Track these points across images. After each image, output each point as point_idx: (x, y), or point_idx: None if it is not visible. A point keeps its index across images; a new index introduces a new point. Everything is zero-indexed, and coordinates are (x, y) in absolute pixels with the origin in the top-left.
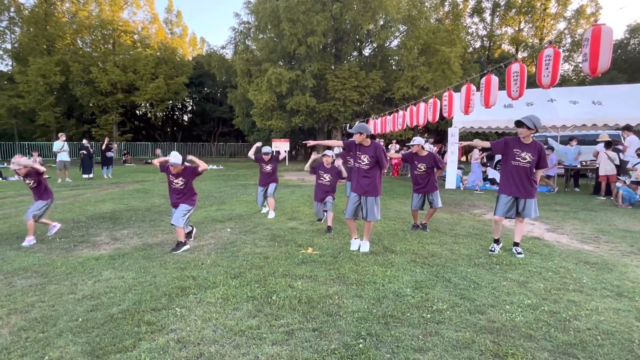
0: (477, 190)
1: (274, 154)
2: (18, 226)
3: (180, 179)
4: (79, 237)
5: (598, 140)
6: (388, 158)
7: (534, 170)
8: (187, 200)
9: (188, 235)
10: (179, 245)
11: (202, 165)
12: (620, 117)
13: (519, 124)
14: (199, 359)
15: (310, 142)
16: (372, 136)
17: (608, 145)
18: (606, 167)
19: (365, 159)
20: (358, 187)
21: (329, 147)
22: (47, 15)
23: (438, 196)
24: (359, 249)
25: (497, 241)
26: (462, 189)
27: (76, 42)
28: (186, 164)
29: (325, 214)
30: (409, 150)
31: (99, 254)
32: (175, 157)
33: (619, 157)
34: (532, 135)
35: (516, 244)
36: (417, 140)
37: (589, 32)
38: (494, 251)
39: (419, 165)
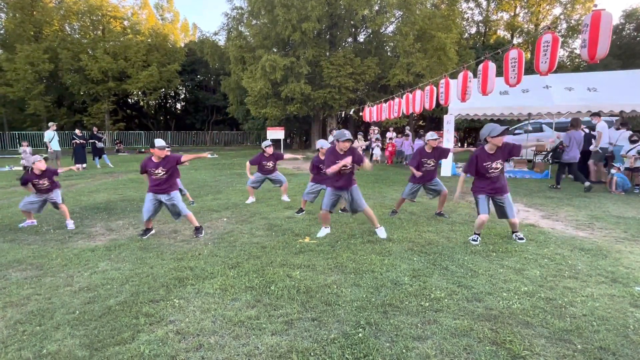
0: None
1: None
2: (11, 217)
3: (161, 167)
4: (73, 228)
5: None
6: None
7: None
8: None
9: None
10: (199, 229)
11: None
12: (615, 104)
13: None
14: (199, 350)
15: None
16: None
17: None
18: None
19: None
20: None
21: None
22: (33, 1)
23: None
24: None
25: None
26: None
27: (64, 29)
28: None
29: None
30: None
31: (95, 245)
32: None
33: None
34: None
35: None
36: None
37: (588, 17)
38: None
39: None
